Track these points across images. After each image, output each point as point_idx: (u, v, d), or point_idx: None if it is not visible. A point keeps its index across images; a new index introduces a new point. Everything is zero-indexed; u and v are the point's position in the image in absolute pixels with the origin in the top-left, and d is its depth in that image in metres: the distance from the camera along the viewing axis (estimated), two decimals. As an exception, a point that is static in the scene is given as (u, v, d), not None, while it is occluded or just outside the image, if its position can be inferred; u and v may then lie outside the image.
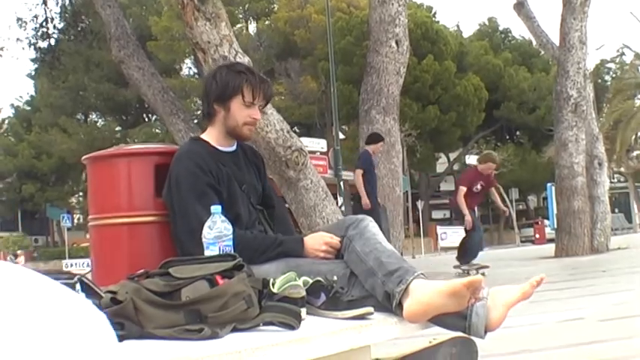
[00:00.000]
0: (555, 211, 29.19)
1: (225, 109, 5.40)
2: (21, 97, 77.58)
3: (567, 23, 24.69)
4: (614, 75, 69.45)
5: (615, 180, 70.88)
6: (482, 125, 57.00)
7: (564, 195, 25.02)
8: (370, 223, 5.27)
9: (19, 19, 29.84)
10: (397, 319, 4.68)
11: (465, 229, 17.82)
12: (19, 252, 59.50)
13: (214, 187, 5.18)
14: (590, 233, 23.47)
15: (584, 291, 13.65)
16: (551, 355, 8.01)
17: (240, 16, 49.03)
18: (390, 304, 4.62)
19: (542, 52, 28.98)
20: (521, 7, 27.91)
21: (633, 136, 65.72)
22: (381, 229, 9.28)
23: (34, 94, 70.18)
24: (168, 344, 3.67)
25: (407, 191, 18.71)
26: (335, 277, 4.71)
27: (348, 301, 4.62)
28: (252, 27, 50.63)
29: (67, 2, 28.42)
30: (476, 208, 18.36)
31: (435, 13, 55.20)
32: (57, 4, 28.27)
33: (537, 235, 53.87)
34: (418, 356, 5.61)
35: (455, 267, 18.35)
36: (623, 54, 69.12)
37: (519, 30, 55.02)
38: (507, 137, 64.58)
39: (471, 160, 49.29)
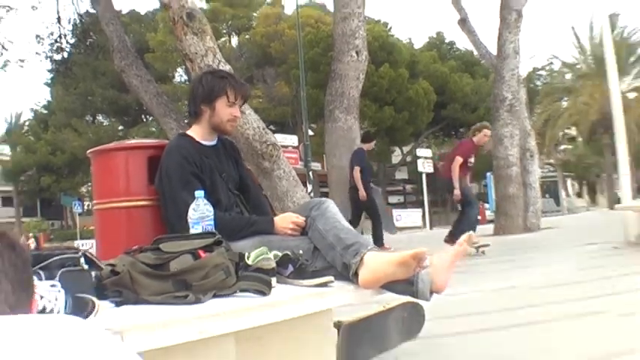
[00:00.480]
0: (494, 196, 29.81)
1: (210, 108, 5.60)
2: (39, 102, 78.58)
3: (503, 36, 24.88)
4: (544, 81, 69.74)
5: (545, 170, 71.20)
6: (431, 123, 57.26)
7: (501, 182, 25.35)
8: (330, 205, 5.38)
9: (37, 36, 30.14)
10: (354, 287, 4.81)
11: (460, 204, 16.04)
12: (30, 234, 60.14)
13: (198, 175, 5.33)
14: (523, 215, 23.62)
15: (518, 264, 13.78)
16: (489, 317, 8.05)
17: (224, 31, 49.16)
18: (348, 274, 4.77)
19: (482, 61, 28.88)
20: (464, 23, 28.06)
21: (560, 133, 66.10)
22: (378, 208, 10.24)
23: (50, 99, 70.97)
24: (159, 308, 3.75)
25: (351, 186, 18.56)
26: (301, 251, 4.85)
27: (312, 271, 4.76)
28: (235, 40, 50.81)
29: (78, 21, 28.71)
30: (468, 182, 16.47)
31: (390, 28, 55.31)
32: (69, 22, 28.67)
33: (479, 217, 54.26)
34: (374, 319, 5.79)
35: (446, 241, 15.31)
36: (552, 63, 69.61)
37: (463, 42, 55.01)
38: (452, 133, 64.80)
39: (422, 152, 49.28)
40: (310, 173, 35.82)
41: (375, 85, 42.59)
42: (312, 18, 44.26)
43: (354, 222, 19.25)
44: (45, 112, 71.56)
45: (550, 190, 71.91)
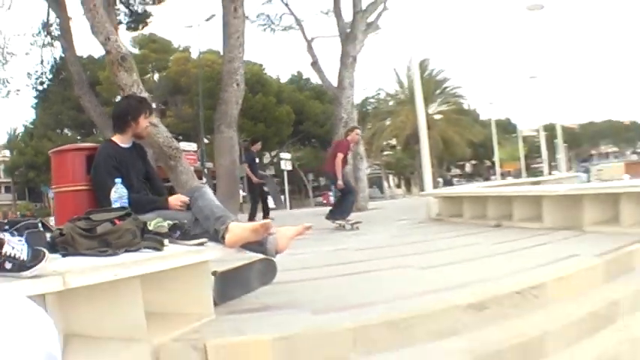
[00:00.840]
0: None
1: (135, 122, 6.05)
2: (27, 119, 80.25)
3: (342, 74, 25.23)
4: (373, 105, 70.38)
5: (373, 168, 71.91)
6: (291, 135, 57.34)
7: (351, 175, 25.07)
8: (207, 190, 5.86)
9: (28, 73, 31.72)
10: (222, 246, 5.27)
11: (341, 191, 14.78)
12: (10, 213, 61.85)
13: (118, 168, 5.80)
14: (356, 199, 23.87)
15: (350, 233, 13.93)
16: (325, 269, 8.18)
17: (149, 69, 48.82)
18: (218, 237, 5.26)
19: (328, 91, 29.01)
20: (315, 65, 27.98)
21: (384, 142, 66.89)
22: (268, 191, 10.48)
23: (34, 117, 71.41)
24: (90, 259, 4.12)
25: (243, 177, 18.61)
26: (185, 221, 5.34)
27: (193, 235, 5.22)
28: (156, 76, 50.49)
29: (53, 62, 29.92)
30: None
31: (264, 68, 55.22)
32: (48, 63, 30.03)
33: (325, 201, 54.20)
34: (240, 269, 6.08)
35: (327, 218, 14.94)
36: (379, 93, 70.15)
37: (315, 78, 55.03)
38: (307, 143, 64.93)
39: (284, 155, 49.49)
40: (205, 170, 37.16)
41: (252, 107, 42.70)
42: (209, 60, 44.12)
43: (254, 200, 21.11)
44: (31, 126, 72.53)
45: (376, 182, 72.58)
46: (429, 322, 5.18)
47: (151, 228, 4.86)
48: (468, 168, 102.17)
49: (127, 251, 4.35)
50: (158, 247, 4.58)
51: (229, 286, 5.94)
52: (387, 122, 64.87)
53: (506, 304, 5.76)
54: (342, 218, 14.28)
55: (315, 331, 4.83)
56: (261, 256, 5.95)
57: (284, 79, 63.25)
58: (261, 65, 54.52)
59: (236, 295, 5.99)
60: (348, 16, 26.53)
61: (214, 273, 5.72)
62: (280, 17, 30.47)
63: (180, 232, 5.12)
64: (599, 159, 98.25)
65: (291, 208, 48.07)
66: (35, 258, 3.57)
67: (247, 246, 5.54)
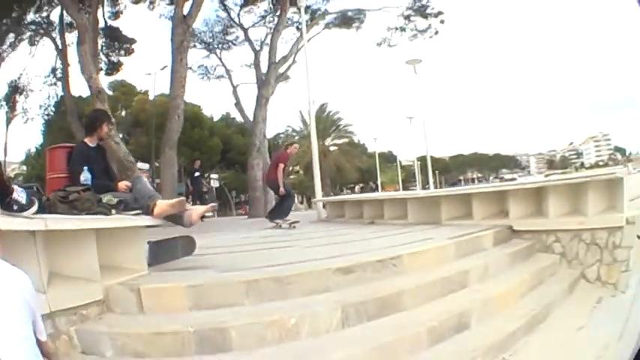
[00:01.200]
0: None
1: (100, 128, 6.96)
2: (37, 142, 78.15)
3: (257, 111, 25.61)
4: (283, 139, 70.17)
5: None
6: (219, 161, 56.97)
7: (252, 190, 25.63)
8: (144, 179, 6.82)
9: (40, 106, 32.66)
10: (151, 217, 6.05)
11: (281, 196, 13.61)
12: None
13: (86, 160, 6.57)
14: (264, 207, 23.61)
15: (255, 227, 14.40)
16: (234, 247, 8.49)
17: (119, 107, 48.10)
18: (148, 210, 6.13)
19: (247, 126, 28.80)
20: (238, 104, 28.53)
21: (290, 168, 66.71)
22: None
23: (42, 140, 69.28)
24: (65, 217, 4.84)
25: (181, 192, 19.19)
26: (128, 199, 6.23)
27: (132, 208, 6.13)
28: (123, 112, 49.76)
29: (56, 98, 30.85)
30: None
31: (200, 107, 54.90)
32: (53, 98, 31.44)
33: (243, 212, 53.58)
34: (168, 241, 6.79)
35: (267, 218, 14.21)
36: (287, 129, 69.94)
37: (239, 117, 54.49)
38: (231, 167, 64.55)
39: (213, 176, 49.35)
40: (155, 184, 37.03)
41: (190, 138, 42.28)
42: (162, 101, 43.51)
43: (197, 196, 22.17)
44: (40, 147, 70.45)
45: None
46: (307, 280, 5.46)
47: (104, 201, 5.56)
48: (356, 189, 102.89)
49: (87, 213, 5.07)
50: (108, 212, 5.35)
51: (160, 253, 6.33)
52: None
53: (369, 269, 5.96)
54: (280, 218, 13.45)
55: (217, 282, 5.27)
56: (184, 232, 6.78)
57: (216, 118, 62.93)
58: (199, 106, 54.20)
59: (164, 260, 6.39)
60: (265, 67, 26.99)
61: (149, 242, 6.13)
62: (215, 68, 30.59)
63: (124, 206, 5.99)
64: (466, 183, 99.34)
65: (218, 216, 47.91)
66: (30, 204, 4.46)
67: (169, 218, 6.24)
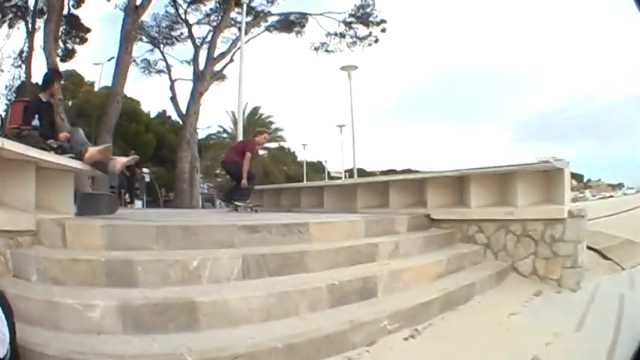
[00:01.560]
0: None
1: (52, 85, 8.01)
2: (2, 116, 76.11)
3: (190, 104, 25.79)
4: (215, 139, 69.91)
5: (209, 189, 70.88)
6: (152, 157, 56.41)
7: (179, 181, 25.96)
8: (80, 131, 7.74)
9: (6, 86, 30.86)
10: (81, 162, 7.01)
11: (239, 180, 11.90)
12: None
13: (38, 111, 7.53)
14: (189, 199, 24.21)
15: (196, 216, 13.89)
16: (161, 216, 8.49)
17: (67, 97, 46.97)
18: (80, 156, 7.05)
19: (180, 119, 28.14)
20: (173, 99, 28.31)
21: (217, 170, 66.49)
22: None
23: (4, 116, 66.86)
24: (17, 144, 5.35)
25: (113, 186, 19.46)
26: (65, 145, 7.24)
27: (68, 153, 6.97)
28: (70, 102, 48.74)
29: (18, 81, 29.70)
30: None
31: (139, 102, 54.24)
32: (18, 79, 29.92)
33: (171, 205, 52.91)
34: (94, 195, 8.48)
35: (223, 200, 13.40)
36: (219, 130, 69.58)
37: (174, 116, 53.94)
38: (162, 164, 63.99)
39: (145, 170, 48.68)
40: None
41: (127, 133, 41.73)
42: (105, 93, 42.86)
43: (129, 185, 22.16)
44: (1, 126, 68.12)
45: (210, 199, 71.23)
46: (213, 232, 5.89)
47: (47, 143, 6.86)
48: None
49: (32, 147, 5.61)
50: (48, 150, 6.45)
51: (85, 206, 7.15)
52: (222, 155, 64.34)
53: (274, 231, 6.20)
54: (241, 201, 12.20)
55: (130, 225, 5.90)
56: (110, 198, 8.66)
57: (153, 114, 62.26)
58: (138, 101, 53.64)
59: (88, 213, 7.01)
60: (203, 64, 26.95)
61: (77, 193, 6.94)
62: (157, 62, 30.28)
63: (62, 151, 6.88)
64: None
65: (147, 208, 47.34)
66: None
67: (97, 165, 7.20)
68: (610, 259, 9.09)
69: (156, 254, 5.14)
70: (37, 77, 25.91)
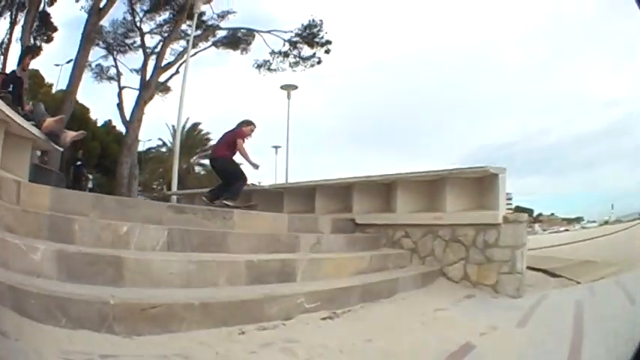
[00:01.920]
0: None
1: (25, 60, 8.82)
2: None
3: (134, 111, 25.27)
4: (155, 152, 69.27)
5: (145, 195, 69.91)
6: (95, 165, 55.58)
7: (119, 188, 24.68)
8: (41, 105, 8.55)
9: None
10: (40, 130, 7.61)
11: (234, 176, 10.36)
12: None
13: (11, 83, 8.22)
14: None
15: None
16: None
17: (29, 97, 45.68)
18: (39, 125, 7.67)
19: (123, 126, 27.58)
20: (119, 105, 26.78)
21: (157, 182, 66.18)
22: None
23: None
24: None
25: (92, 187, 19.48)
26: (29, 116, 7.75)
27: (30, 122, 7.47)
28: (30, 103, 47.20)
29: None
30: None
31: (89, 109, 53.47)
32: None
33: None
34: (45, 169, 9.25)
35: (205, 196, 11.01)
36: (160, 144, 68.96)
37: (120, 127, 53.17)
38: (105, 173, 63.00)
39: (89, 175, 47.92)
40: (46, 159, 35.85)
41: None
42: (61, 97, 42.14)
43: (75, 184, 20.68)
44: None
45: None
46: (145, 208, 6.53)
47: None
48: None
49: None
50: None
51: (37, 177, 7.46)
52: (161, 164, 64.10)
53: (200, 214, 6.69)
54: (231, 200, 11.09)
55: (74, 193, 6.82)
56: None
57: (99, 123, 61.51)
58: (88, 108, 52.96)
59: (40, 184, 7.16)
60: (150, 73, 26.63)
61: (31, 165, 7.71)
62: (109, 69, 29.74)
63: (27, 119, 7.27)
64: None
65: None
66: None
67: (50, 135, 7.83)
68: (560, 276, 9.17)
69: (92, 219, 5.51)
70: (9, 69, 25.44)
